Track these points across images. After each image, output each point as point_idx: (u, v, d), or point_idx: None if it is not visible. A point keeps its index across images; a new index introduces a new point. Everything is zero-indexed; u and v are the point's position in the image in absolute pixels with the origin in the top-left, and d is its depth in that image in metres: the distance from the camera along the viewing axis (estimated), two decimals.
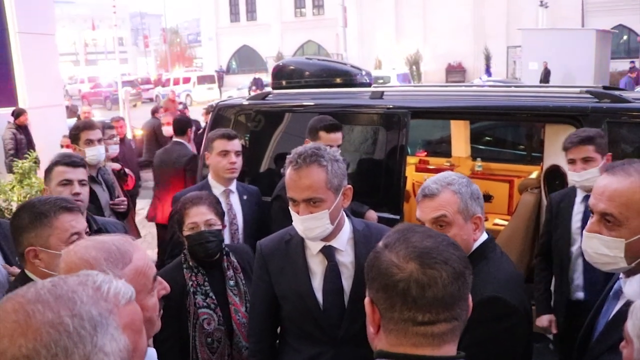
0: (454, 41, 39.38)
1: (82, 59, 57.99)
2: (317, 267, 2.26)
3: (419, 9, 41.31)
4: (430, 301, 1.22)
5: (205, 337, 2.64)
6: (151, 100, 36.91)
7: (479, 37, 39.12)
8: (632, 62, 23.32)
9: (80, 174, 3.12)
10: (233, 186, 3.68)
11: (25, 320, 0.93)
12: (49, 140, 8.44)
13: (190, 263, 2.74)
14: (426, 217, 2.05)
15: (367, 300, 1.32)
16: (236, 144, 3.64)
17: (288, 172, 2.15)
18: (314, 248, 2.25)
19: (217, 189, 3.59)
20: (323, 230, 2.15)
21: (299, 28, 47.09)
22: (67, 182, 3.05)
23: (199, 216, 2.74)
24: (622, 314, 1.67)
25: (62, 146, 6.30)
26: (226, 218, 3.36)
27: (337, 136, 3.65)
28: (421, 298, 1.21)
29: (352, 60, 26.91)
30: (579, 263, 3.30)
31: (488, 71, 34.09)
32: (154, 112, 10.43)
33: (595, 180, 2.94)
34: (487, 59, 37.27)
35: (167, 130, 7.11)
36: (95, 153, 4.28)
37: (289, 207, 2.19)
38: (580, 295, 3.34)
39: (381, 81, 21.54)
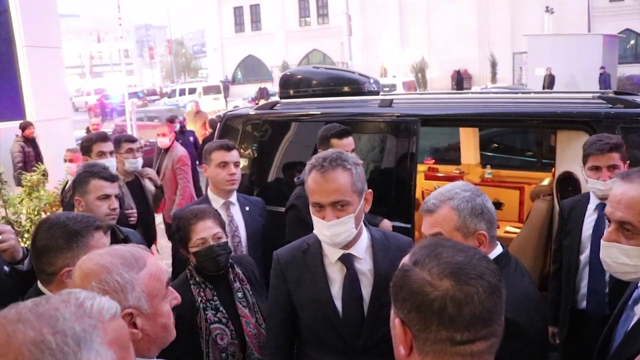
0: (459, 48, 39.42)
1: (88, 71, 58.38)
2: (335, 275, 2.23)
3: (423, 16, 41.41)
4: (468, 319, 1.16)
5: (220, 352, 2.59)
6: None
7: (484, 44, 39.14)
8: (603, 67, 23.65)
9: (116, 188, 3.16)
10: (233, 198, 3.61)
11: (6, 341, 0.93)
12: (56, 153, 8.44)
13: (197, 279, 2.69)
14: (426, 233, 2.03)
15: (397, 321, 1.25)
16: (235, 155, 3.59)
17: (312, 176, 2.13)
18: (332, 256, 2.22)
19: (217, 202, 3.53)
20: (348, 235, 2.14)
21: (303, 37, 47.27)
22: (106, 197, 3.06)
23: (206, 231, 2.69)
24: None
25: (65, 160, 6.25)
26: (228, 230, 3.33)
27: (350, 141, 3.63)
28: (458, 316, 1.16)
29: (356, 68, 26.96)
30: (586, 272, 3.25)
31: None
32: (171, 122, 10.42)
33: None
34: (493, 65, 37.26)
35: (162, 141, 7.01)
36: (107, 165, 4.28)
37: (312, 214, 2.16)
38: (584, 305, 3.27)
39: (387, 89, 21.54)
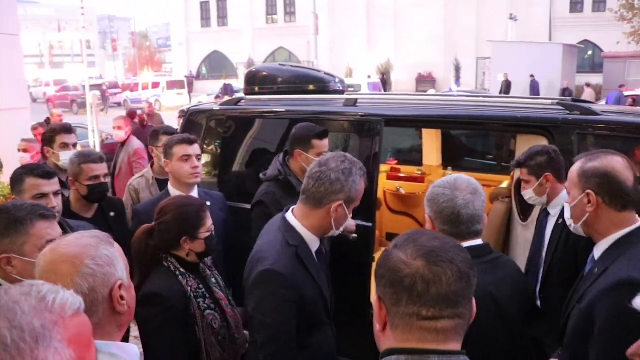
0: (425, 51, 39.91)
1: (47, 61, 56.89)
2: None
3: (391, 19, 41.76)
4: (435, 297, 1.29)
5: (216, 336, 2.65)
6: (119, 105, 36.40)
7: (449, 48, 39.71)
8: (532, 75, 25.22)
9: (55, 184, 3.03)
10: (194, 193, 3.58)
11: None
12: (13, 144, 8.21)
13: (181, 270, 2.68)
14: None
15: (374, 297, 1.39)
16: (196, 148, 3.60)
17: (362, 184, 2.44)
18: (314, 246, 2.47)
19: None
20: None
21: (270, 35, 47.10)
22: (42, 196, 2.92)
23: (211, 218, 2.78)
24: (587, 276, 2.09)
25: (19, 150, 6.04)
26: None
27: (327, 142, 3.66)
28: (426, 293, 1.29)
29: (322, 67, 26.96)
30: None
31: (458, 81, 34.98)
32: (132, 117, 10.27)
33: (534, 199, 3.31)
34: (457, 69, 37.85)
35: (118, 135, 6.89)
36: (69, 157, 4.19)
37: (343, 214, 2.40)
38: None
39: (352, 89, 21.58)
